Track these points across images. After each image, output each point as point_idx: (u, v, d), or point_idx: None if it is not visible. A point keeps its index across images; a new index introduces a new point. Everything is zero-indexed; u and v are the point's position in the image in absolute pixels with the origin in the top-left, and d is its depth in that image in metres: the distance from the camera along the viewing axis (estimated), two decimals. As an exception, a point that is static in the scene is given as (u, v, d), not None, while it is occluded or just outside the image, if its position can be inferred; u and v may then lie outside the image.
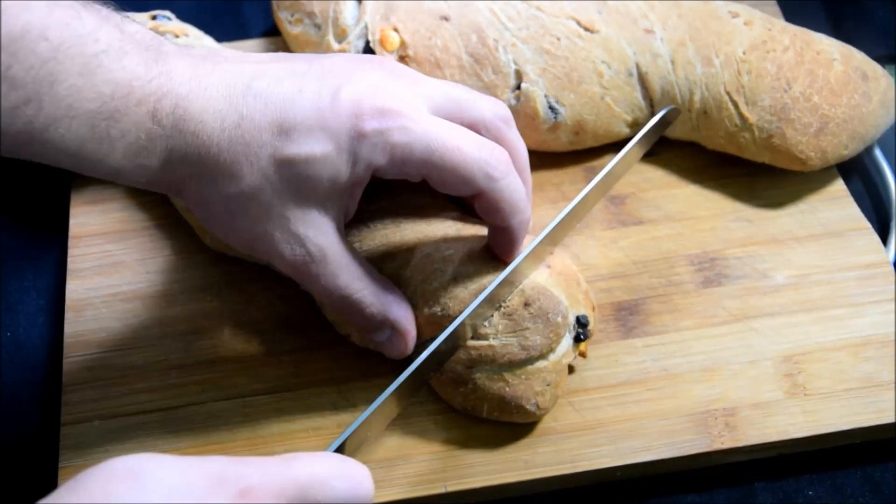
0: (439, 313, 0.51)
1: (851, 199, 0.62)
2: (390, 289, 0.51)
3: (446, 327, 0.51)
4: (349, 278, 0.49)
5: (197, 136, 0.45)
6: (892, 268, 0.59)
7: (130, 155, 0.44)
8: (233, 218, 0.47)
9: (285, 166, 0.46)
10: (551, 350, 0.51)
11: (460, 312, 0.50)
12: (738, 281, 0.58)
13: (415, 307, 0.52)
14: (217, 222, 0.48)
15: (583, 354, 0.53)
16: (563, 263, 0.53)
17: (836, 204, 0.61)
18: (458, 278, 0.51)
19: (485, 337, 0.50)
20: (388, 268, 0.53)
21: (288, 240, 0.47)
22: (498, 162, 0.48)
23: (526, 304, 0.50)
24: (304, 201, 0.47)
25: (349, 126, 0.46)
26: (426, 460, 0.51)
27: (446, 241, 0.53)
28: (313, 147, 0.46)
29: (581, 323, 0.52)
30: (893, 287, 0.57)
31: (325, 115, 0.46)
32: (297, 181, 0.46)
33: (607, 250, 0.60)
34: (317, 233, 0.47)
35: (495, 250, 0.52)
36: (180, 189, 0.47)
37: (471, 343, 0.50)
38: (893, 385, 0.53)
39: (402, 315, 0.51)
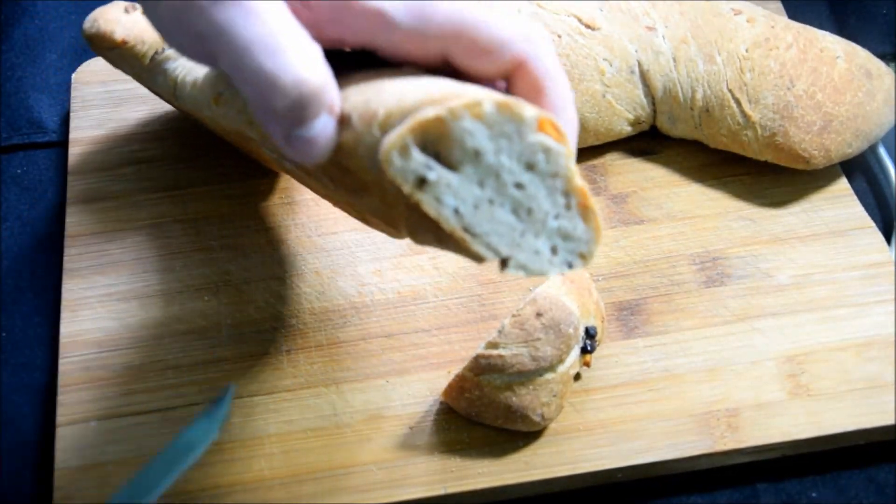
0: None
1: (855, 197, 0.61)
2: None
3: None
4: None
5: None
6: (896, 267, 0.58)
7: None
8: None
9: None
10: (560, 361, 0.50)
11: None
12: (740, 280, 0.58)
13: None
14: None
15: (587, 364, 0.53)
16: (575, 270, 0.53)
17: (839, 203, 0.61)
18: None
19: (495, 346, 0.50)
20: None
21: None
22: (533, 28, 0.40)
23: (538, 315, 0.50)
24: None
25: None
26: (425, 461, 0.51)
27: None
28: None
29: (590, 334, 0.52)
30: (897, 287, 0.57)
31: None
32: None
33: (608, 249, 0.59)
34: None
35: None
36: None
37: (481, 351, 0.50)
38: (897, 386, 0.53)
39: (337, 98, 0.40)
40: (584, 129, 0.62)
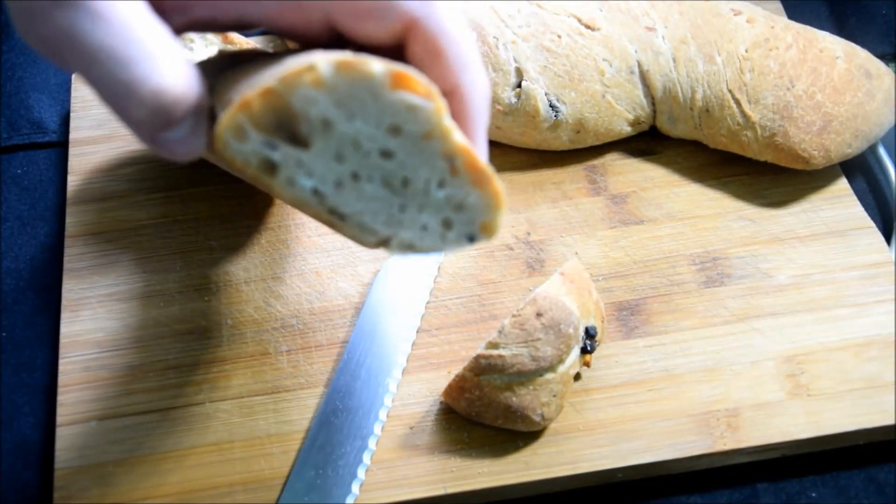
0: None
1: (855, 197, 0.61)
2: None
3: None
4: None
5: None
6: (896, 267, 0.58)
7: None
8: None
9: None
10: (560, 361, 0.50)
11: None
12: (740, 280, 0.58)
13: None
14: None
15: (587, 364, 0.53)
16: (575, 270, 0.53)
17: (839, 203, 0.61)
18: None
19: (495, 346, 0.50)
20: None
21: None
22: None
23: (538, 315, 0.50)
24: None
25: None
26: (426, 461, 0.51)
27: None
28: None
29: (590, 334, 0.52)
30: (897, 287, 0.57)
31: None
32: None
33: (608, 249, 0.59)
34: None
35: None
36: None
37: (481, 352, 0.50)
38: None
39: (203, 97, 0.36)
40: (584, 129, 0.62)
